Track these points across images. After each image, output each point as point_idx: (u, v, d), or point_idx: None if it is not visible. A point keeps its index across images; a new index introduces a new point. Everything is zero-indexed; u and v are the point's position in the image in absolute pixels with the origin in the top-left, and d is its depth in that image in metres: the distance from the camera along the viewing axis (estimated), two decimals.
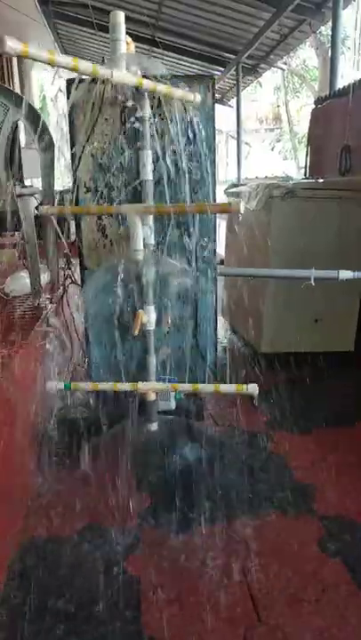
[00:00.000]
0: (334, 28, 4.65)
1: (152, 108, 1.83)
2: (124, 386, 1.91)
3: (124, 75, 1.60)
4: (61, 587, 1.50)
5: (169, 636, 1.35)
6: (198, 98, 1.83)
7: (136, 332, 1.89)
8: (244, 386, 1.89)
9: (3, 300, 2.64)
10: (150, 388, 1.95)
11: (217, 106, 2.00)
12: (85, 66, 1.44)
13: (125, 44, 1.67)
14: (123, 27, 1.64)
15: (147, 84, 1.67)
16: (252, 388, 1.89)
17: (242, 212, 1.60)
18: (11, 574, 1.54)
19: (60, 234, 2.62)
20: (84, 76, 1.58)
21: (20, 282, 2.73)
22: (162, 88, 1.71)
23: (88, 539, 1.69)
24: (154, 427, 2.03)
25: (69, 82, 1.85)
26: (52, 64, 1.42)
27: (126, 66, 1.64)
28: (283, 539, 1.70)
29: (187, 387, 1.95)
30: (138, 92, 1.76)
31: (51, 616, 1.41)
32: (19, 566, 1.57)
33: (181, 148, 1.91)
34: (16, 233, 3.66)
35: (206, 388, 1.94)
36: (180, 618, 1.41)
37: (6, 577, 1.53)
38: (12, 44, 1.24)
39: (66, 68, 1.43)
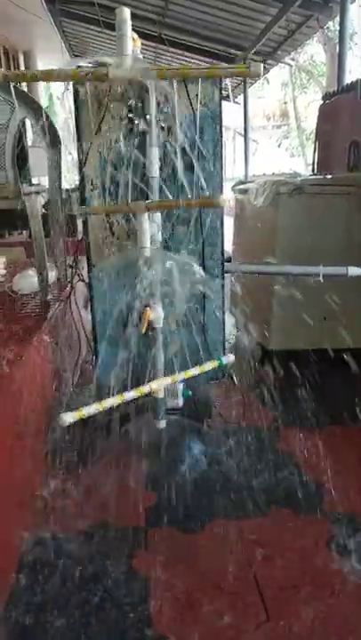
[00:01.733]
0: (342, 24, 4.62)
1: (159, 104, 1.83)
2: (130, 394, 1.89)
3: (128, 71, 1.60)
4: (70, 583, 1.51)
5: (177, 632, 1.35)
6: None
7: (144, 330, 1.89)
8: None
9: (11, 298, 2.65)
10: (157, 384, 1.94)
11: (224, 103, 1.99)
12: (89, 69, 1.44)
13: (132, 41, 1.66)
14: (129, 23, 1.64)
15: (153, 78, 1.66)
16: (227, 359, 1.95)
17: (230, 201, 1.60)
18: (20, 570, 1.55)
19: (67, 231, 2.62)
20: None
21: (28, 280, 2.73)
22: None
23: (95, 536, 1.70)
24: (162, 424, 2.03)
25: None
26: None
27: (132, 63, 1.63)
28: (292, 536, 1.70)
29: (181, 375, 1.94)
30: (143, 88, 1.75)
31: (59, 613, 1.41)
32: (28, 563, 1.58)
33: (188, 145, 1.90)
34: (23, 231, 3.69)
35: (194, 371, 1.95)
36: (189, 614, 1.40)
37: (16, 572, 1.54)
38: None
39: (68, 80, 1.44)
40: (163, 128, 1.88)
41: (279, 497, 1.89)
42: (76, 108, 1.89)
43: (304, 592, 1.47)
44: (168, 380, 1.92)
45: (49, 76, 1.53)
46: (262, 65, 1.56)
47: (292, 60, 11.75)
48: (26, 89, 7.94)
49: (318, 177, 3.15)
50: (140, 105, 1.83)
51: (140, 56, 1.78)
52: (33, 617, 1.40)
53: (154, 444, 2.05)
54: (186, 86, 1.85)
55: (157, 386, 1.93)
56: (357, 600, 1.44)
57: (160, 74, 1.62)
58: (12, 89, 2.12)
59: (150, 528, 1.74)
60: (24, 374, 1.83)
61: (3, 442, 1.60)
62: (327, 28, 9.19)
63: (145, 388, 1.87)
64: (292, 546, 1.66)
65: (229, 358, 1.97)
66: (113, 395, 1.71)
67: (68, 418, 1.57)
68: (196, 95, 1.87)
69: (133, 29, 1.67)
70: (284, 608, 1.42)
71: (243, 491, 1.91)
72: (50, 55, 8.62)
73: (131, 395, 1.73)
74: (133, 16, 1.66)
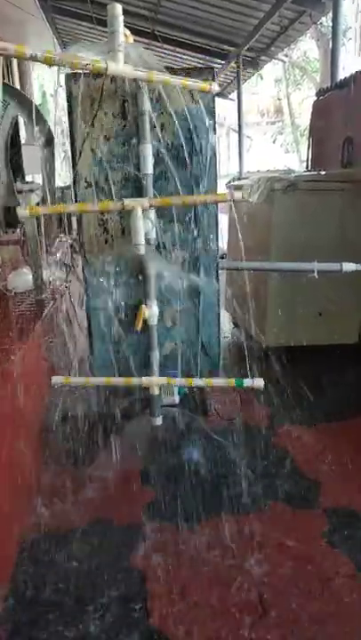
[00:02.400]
0: (335, 19, 4.61)
1: (152, 101, 1.82)
2: (127, 380, 1.91)
3: (122, 67, 1.59)
4: (68, 580, 1.51)
5: (175, 628, 1.36)
6: (216, 87, 1.81)
7: (139, 328, 1.89)
8: (249, 380, 1.89)
9: (5, 296, 2.64)
10: (153, 382, 1.95)
11: (218, 99, 1.99)
12: (85, 61, 1.43)
13: (124, 37, 1.65)
14: (121, 19, 1.63)
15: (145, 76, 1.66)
16: (258, 383, 1.89)
17: (237, 198, 1.61)
18: (18, 568, 1.55)
19: (62, 229, 2.62)
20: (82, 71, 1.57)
21: (23, 278, 2.73)
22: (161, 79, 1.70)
23: (93, 534, 1.70)
24: (158, 421, 2.03)
25: (69, 77, 1.84)
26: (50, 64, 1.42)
27: (125, 58, 1.63)
28: (288, 531, 1.70)
29: (183, 381, 1.94)
30: (137, 84, 1.75)
31: (57, 609, 1.41)
32: (26, 560, 1.58)
33: (182, 142, 1.89)
34: (17, 230, 3.67)
35: (201, 382, 1.95)
36: (186, 610, 1.41)
37: (14, 570, 1.54)
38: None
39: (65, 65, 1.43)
40: (155, 125, 1.87)
41: (277, 492, 1.90)
42: (69, 105, 1.88)
43: (300, 586, 1.47)
44: (163, 380, 1.93)
45: (49, 60, 1.51)
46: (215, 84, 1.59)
47: (286, 56, 11.74)
48: (19, 87, 7.91)
49: (312, 173, 3.16)
50: (133, 101, 1.82)
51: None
52: (31, 613, 1.40)
53: (149, 440, 2.05)
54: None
55: (152, 382, 1.93)
56: (352, 594, 1.45)
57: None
58: (4, 86, 2.11)
59: (145, 523, 1.74)
60: (20, 371, 1.83)
61: (0, 438, 1.60)
62: (320, 23, 9.16)
63: (139, 381, 1.88)
64: (289, 539, 1.66)
65: (258, 382, 1.91)
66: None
67: (58, 380, 1.61)
68: (190, 91, 1.86)
69: (125, 26, 1.67)
70: (281, 602, 1.42)
71: (240, 486, 1.91)
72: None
73: (119, 380, 1.74)
74: (125, 12, 1.65)
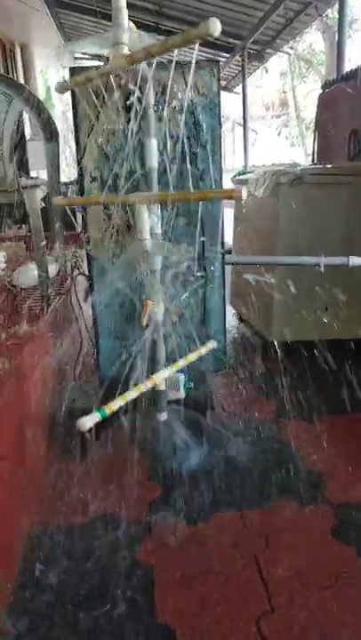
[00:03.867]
0: (341, 11, 4.58)
1: (157, 95, 1.81)
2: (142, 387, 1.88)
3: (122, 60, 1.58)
4: (74, 574, 1.51)
5: (182, 623, 1.36)
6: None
7: (144, 323, 1.88)
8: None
9: (11, 292, 2.64)
10: (160, 376, 1.94)
11: (223, 93, 1.97)
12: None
13: (128, 30, 1.64)
14: (125, 11, 1.62)
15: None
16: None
17: (244, 197, 1.57)
18: (24, 562, 1.56)
19: (66, 225, 2.61)
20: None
21: (28, 274, 2.72)
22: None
23: (99, 527, 1.70)
24: (163, 416, 2.03)
25: (72, 71, 1.83)
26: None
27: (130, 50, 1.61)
28: (295, 526, 1.70)
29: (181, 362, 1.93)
30: (142, 78, 1.73)
31: (63, 603, 1.42)
32: (32, 554, 1.59)
33: (187, 136, 1.88)
34: (23, 225, 3.67)
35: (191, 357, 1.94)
36: (193, 605, 1.41)
37: (21, 565, 1.54)
38: None
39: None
40: (161, 118, 1.86)
41: (282, 486, 1.90)
42: (74, 100, 1.88)
43: (308, 581, 1.47)
44: (168, 372, 1.92)
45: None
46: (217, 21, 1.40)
47: (291, 48, 11.65)
48: (23, 82, 7.89)
49: (318, 167, 3.13)
50: (138, 95, 1.81)
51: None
52: (38, 607, 1.41)
53: (155, 435, 2.05)
54: (184, 76, 1.83)
55: (159, 378, 1.92)
56: (360, 590, 1.45)
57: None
58: (8, 81, 2.11)
59: (152, 518, 1.75)
60: (26, 368, 1.83)
61: (7, 434, 1.60)
62: (326, 15, 9.11)
63: (147, 384, 1.86)
64: (296, 534, 1.66)
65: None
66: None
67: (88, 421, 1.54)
68: (195, 84, 1.85)
69: (130, 19, 1.65)
70: (288, 598, 1.42)
71: (246, 481, 1.91)
72: (47, 47, 8.54)
73: (133, 394, 1.72)
74: (130, 6, 1.64)
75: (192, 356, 1.92)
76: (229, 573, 1.51)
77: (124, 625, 1.36)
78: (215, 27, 1.36)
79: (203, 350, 1.95)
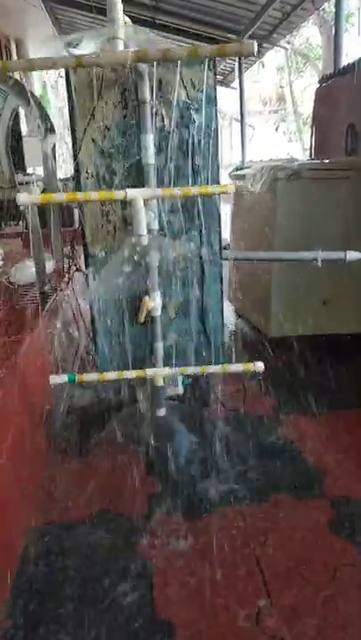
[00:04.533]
0: (338, 5, 4.56)
1: (152, 90, 1.80)
2: (131, 373, 1.91)
3: (118, 55, 1.57)
4: (74, 571, 1.52)
5: (181, 616, 1.37)
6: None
7: (142, 319, 1.88)
8: (251, 364, 1.89)
9: (9, 289, 2.64)
10: (157, 373, 1.95)
11: (219, 88, 1.96)
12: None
13: (123, 25, 1.63)
14: (120, 6, 1.61)
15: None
16: (259, 366, 1.89)
17: (232, 192, 1.59)
18: (24, 559, 1.56)
19: (64, 221, 2.61)
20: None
21: (26, 271, 2.72)
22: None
23: (99, 524, 1.71)
24: (162, 412, 2.03)
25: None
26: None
27: (124, 46, 1.61)
28: (293, 520, 1.71)
29: (194, 369, 1.94)
30: (137, 73, 1.73)
31: (63, 600, 1.42)
32: (32, 552, 1.59)
33: (183, 131, 1.87)
34: (20, 222, 3.67)
35: (214, 368, 1.94)
36: (192, 599, 1.42)
37: (20, 562, 1.55)
38: None
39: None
40: (157, 113, 1.85)
41: (281, 482, 1.90)
42: (69, 96, 1.86)
43: (306, 574, 1.48)
44: (167, 371, 1.92)
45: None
46: (255, 43, 1.51)
47: (288, 43, 11.59)
48: (19, 78, 7.85)
49: (316, 161, 3.13)
50: (133, 90, 1.80)
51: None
52: (38, 604, 1.41)
53: (154, 430, 2.05)
54: (180, 71, 1.82)
55: (157, 373, 1.93)
56: (358, 583, 1.45)
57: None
58: (5, 77, 2.10)
59: (150, 514, 1.75)
60: (24, 363, 1.83)
61: (4, 430, 1.60)
62: (323, 9, 9.07)
63: (145, 372, 1.88)
64: (295, 528, 1.67)
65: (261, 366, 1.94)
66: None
67: (57, 380, 1.62)
68: (191, 79, 1.84)
69: (126, 14, 1.64)
70: (287, 590, 1.43)
71: (244, 476, 1.92)
72: (43, 43, 8.50)
73: (131, 374, 1.75)
74: (126, 1, 1.63)
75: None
76: (229, 567, 1.52)
77: (124, 620, 1.36)
78: (255, 49, 1.60)
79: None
